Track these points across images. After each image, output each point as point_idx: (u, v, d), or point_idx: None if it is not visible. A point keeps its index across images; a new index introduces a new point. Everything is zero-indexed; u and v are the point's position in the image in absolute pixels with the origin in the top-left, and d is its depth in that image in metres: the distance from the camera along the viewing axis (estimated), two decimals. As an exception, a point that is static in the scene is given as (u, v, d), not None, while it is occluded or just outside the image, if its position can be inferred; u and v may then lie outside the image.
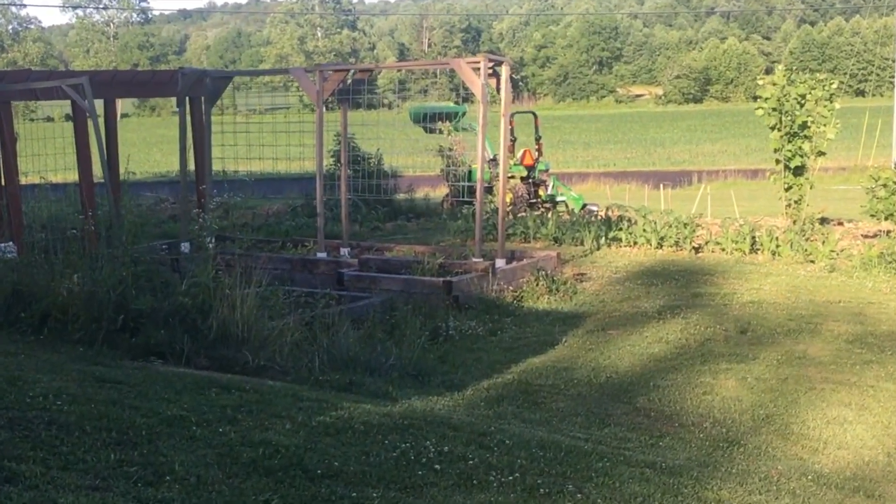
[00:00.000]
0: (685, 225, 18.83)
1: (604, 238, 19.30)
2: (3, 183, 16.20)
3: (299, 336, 10.65)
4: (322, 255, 17.53)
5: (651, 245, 18.75)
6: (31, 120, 55.19)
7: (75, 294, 10.61)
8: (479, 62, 16.20)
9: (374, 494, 5.57)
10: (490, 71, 16.34)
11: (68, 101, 15.98)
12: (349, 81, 18.65)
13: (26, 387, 7.33)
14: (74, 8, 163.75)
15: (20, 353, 9.21)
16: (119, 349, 9.93)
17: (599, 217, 21.55)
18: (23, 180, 16.80)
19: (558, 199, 26.32)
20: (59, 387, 7.48)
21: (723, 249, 18.31)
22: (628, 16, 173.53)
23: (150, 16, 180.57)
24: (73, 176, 17.11)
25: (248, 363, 9.68)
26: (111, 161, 17.63)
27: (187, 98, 18.77)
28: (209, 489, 5.34)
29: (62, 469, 5.42)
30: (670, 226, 18.95)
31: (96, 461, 5.64)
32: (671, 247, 18.62)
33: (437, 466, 6.26)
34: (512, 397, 9.97)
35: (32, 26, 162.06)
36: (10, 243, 15.04)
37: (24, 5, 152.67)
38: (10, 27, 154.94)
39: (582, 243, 19.36)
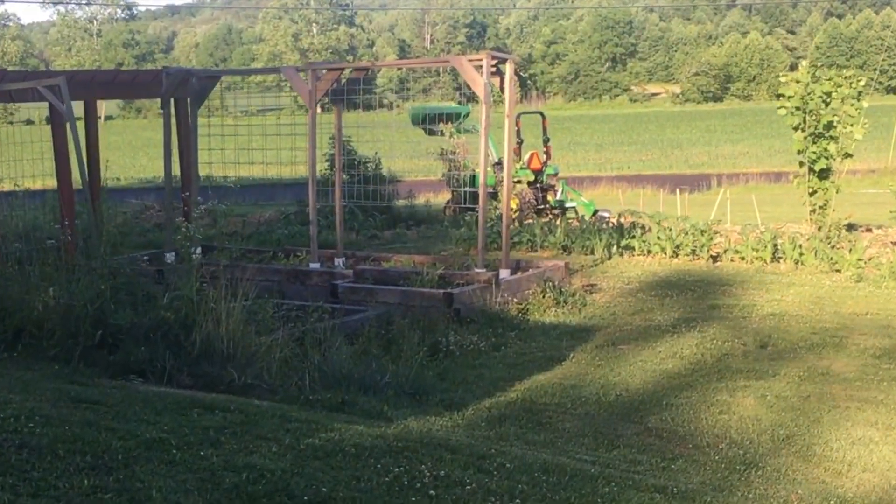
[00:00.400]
0: (702, 232, 18.82)
1: (616, 246, 19.28)
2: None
3: (289, 352, 10.65)
4: (315, 265, 17.50)
5: (666, 254, 18.74)
6: (10, 123, 55.27)
7: (51, 308, 10.62)
8: (481, 59, 16.19)
9: (365, 522, 5.57)
10: (493, 69, 16.32)
11: (46, 103, 16.00)
12: (344, 81, 18.66)
13: (-4, 408, 7.33)
14: (55, 4, 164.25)
15: (-9, 372, 9.21)
16: (97, 367, 9.93)
17: (611, 224, 21.53)
18: (-1, 187, 16.86)
19: (568, 205, 26.33)
20: (32, 407, 7.47)
21: (742, 258, 18.29)
22: (643, 9, 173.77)
23: (135, 12, 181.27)
24: (52, 182, 17.12)
25: (234, 381, 9.67)
26: (91, 167, 17.65)
27: (172, 99, 18.77)
28: (187, 516, 5.34)
29: (32, 496, 5.42)
30: (686, 233, 18.94)
31: (69, 487, 5.64)
32: (687, 255, 18.60)
33: (433, 492, 6.25)
34: (515, 417, 9.96)
35: (11, 23, 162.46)
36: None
37: (3, 1, 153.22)
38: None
39: (592, 252, 19.35)
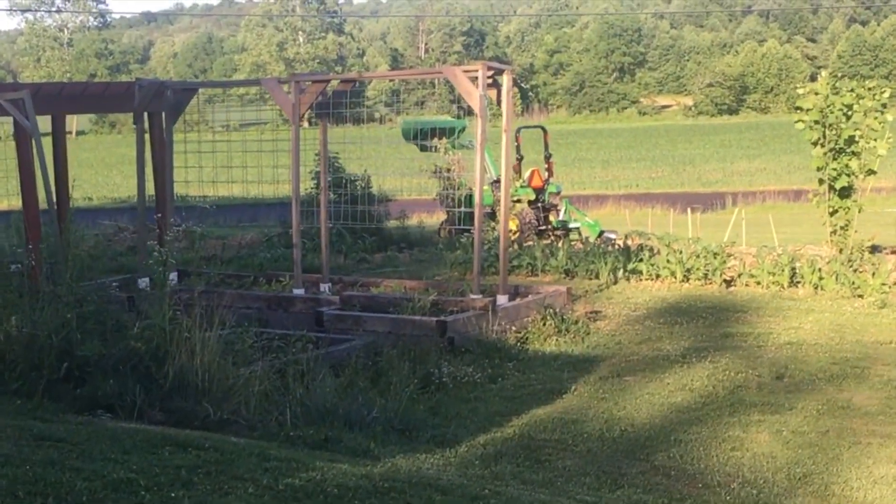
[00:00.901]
0: (715, 255, 18.85)
1: (622, 270, 19.31)
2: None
3: (269, 385, 10.62)
4: (299, 291, 17.50)
5: (676, 278, 18.77)
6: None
7: (13, 338, 10.58)
8: (476, 70, 16.23)
9: (347, 569, 5.55)
10: (490, 80, 16.37)
11: (10, 118, 16.02)
12: (331, 93, 18.67)
13: (-48, 447, 7.31)
14: (23, 11, 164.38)
15: (-52, 407, 9.18)
16: (62, 401, 9.89)
17: (618, 246, 21.53)
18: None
19: (571, 225, 26.40)
20: (-9, 446, 7.45)
21: (758, 283, 18.31)
22: (653, 16, 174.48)
23: (108, 20, 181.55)
24: (17, 202, 17.14)
25: (209, 417, 9.65)
26: (59, 185, 17.66)
27: (146, 113, 18.79)
28: (155, 564, 5.32)
29: (-12, 542, 5.39)
30: (698, 256, 18.97)
31: (27, 532, 5.62)
32: (699, 280, 18.63)
33: (421, 536, 6.24)
34: (512, 454, 9.95)
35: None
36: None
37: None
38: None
39: (597, 276, 19.37)
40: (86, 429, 8.70)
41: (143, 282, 17.39)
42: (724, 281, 18.53)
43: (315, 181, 23.03)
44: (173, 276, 16.29)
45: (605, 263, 19.44)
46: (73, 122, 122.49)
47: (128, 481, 6.83)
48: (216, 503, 6.48)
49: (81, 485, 6.64)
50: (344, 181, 24.00)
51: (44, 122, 16.72)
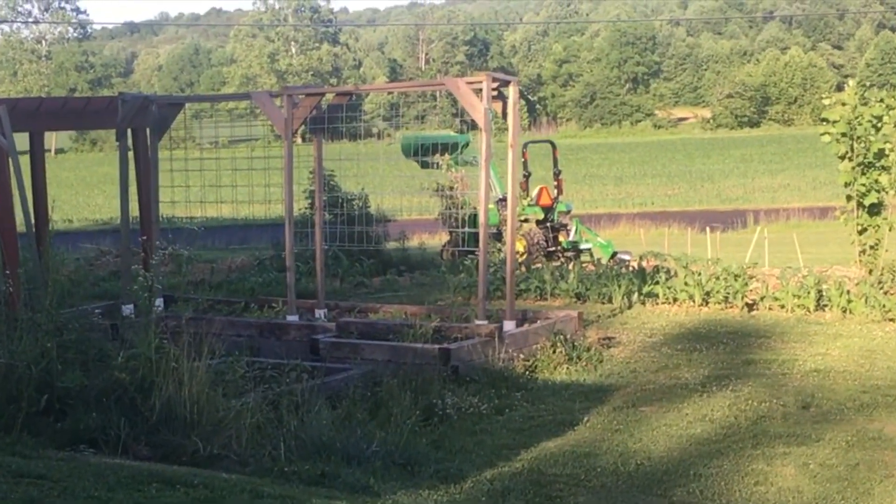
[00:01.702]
0: (736, 277, 18.85)
1: (637, 294, 19.32)
2: None
3: (262, 418, 10.63)
4: (293, 317, 17.52)
5: (694, 302, 18.78)
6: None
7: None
8: (480, 81, 16.26)
9: None
10: (495, 92, 16.39)
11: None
12: (325, 107, 18.70)
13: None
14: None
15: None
16: (42, 436, 9.89)
17: (632, 268, 21.52)
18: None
19: (582, 246, 26.41)
20: (-36, 486, 7.47)
21: (782, 306, 18.32)
22: (668, 23, 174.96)
23: (89, 31, 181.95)
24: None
25: (199, 451, 9.66)
26: (38, 207, 17.70)
27: (129, 129, 18.83)
28: None
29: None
30: (718, 278, 18.97)
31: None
32: (719, 303, 18.64)
33: (424, 577, 6.24)
34: (520, 490, 9.95)
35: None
36: None
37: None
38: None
39: (610, 300, 19.39)
40: (67, 465, 8.71)
41: (128, 308, 17.38)
42: (746, 304, 18.54)
43: (309, 201, 23.04)
44: (159, 302, 16.33)
45: (619, 286, 19.46)
46: (53, 139, 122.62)
47: (111, 520, 6.85)
48: (207, 543, 6.49)
49: (62, 524, 6.66)
50: (340, 200, 24.00)
51: (21, 140, 16.76)
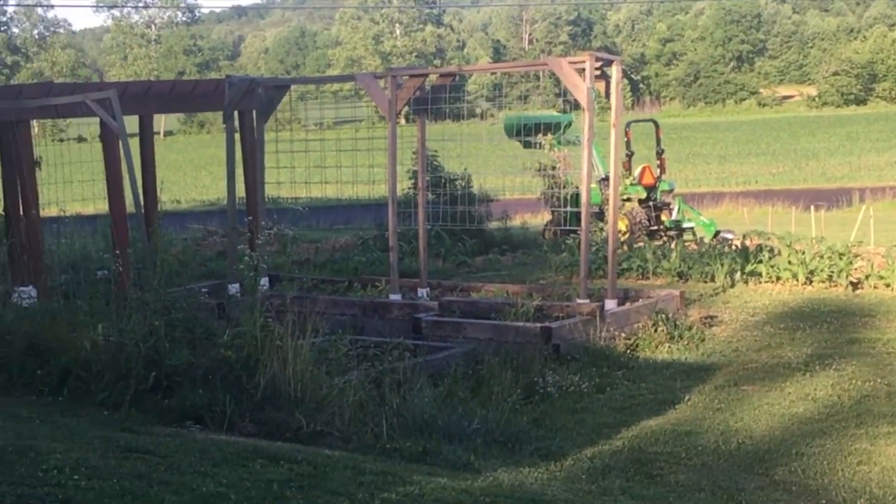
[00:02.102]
0: (841, 255, 18.58)
1: (740, 273, 19.12)
2: (20, 216, 16.57)
3: (365, 395, 10.68)
4: (396, 296, 17.59)
5: (798, 280, 18.54)
6: (60, 140, 56.15)
7: (100, 347, 10.77)
8: (583, 62, 16.17)
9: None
10: (598, 72, 16.30)
11: (97, 119, 16.28)
12: (429, 88, 18.70)
13: (39, 458, 7.44)
14: (110, 8, 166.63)
15: (34, 418, 9.35)
16: (150, 413, 10.05)
17: (735, 247, 21.30)
18: (45, 212, 17.17)
19: (685, 225, 26.16)
20: (78, 458, 7.57)
21: (887, 285, 18.02)
22: (774, 0, 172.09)
23: (197, 15, 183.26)
24: (104, 206, 17.42)
25: (302, 428, 9.73)
26: (147, 188, 17.96)
27: (236, 112, 18.99)
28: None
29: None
30: (822, 256, 18.72)
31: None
32: (822, 282, 18.39)
33: (523, 554, 6.24)
34: (621, 468, 9.90)
35: (62, 30, 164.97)
36: (30, 288, 15.36)
37: (52, 6, 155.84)
38: (35, 32, 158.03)
39: (712, 279, 19.21)
40: (174, 441, 8.82)
41: (234, 287, 17.56)
42: (851, 283, 18.26)
43: (412, 181, 23.03)
44: (264, 281, 16.45)
45: (722, 265, 19.28)
46: (161, 122, 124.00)
47: (218, 495, 6.91)
48: (310, 518, 6.52)
49: (170, 498, 6.74)
50: (443, 180, 23.94)
51: (131, 123, 16.99)
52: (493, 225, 26.93)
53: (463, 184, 25.07)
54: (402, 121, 19.36)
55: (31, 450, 7.67)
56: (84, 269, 15.65)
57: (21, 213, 16.56)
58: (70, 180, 17.84)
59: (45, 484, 6.80)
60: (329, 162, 19.89)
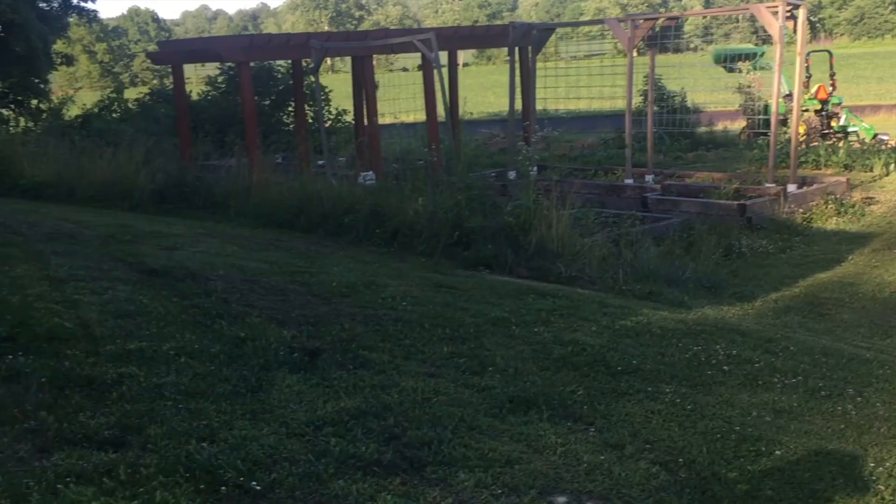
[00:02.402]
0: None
1: (893, 164, 17.95)
2: (365, 123, 16.97)
3: (606, 251, 10.58)
4: (629, 181, 17.37)
5: (945, 171, 17.29)
6: (390, 70, 57.15)
7: (420, 214, 10.95)
8: (776, 6, 15.43)
9: (668, 389, 5.43)
10: (788, 14, 15.58)
11: (418, 54, 16.40)
12: (657, 29, 18.30)
13: (378, 289, 7.60)
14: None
15: (375, 262, 9.60)
16: (454, 260, 10.18)
17: (890, 145, 20.10)
18: (381, 121, 17.54)
19: (850, 129, 24.64)
20: (405, 290, 7.71)
21: None
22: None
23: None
24: (422, 116, 17.62)
25: (561, 274, 9.69)
26: (452, 103, 18.06)
27: (517, 48, 18.86)
28: (525, 379, 5.37)
29: (405, 358, 5.57)
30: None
31: (432, 353, 5.76)
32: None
33: (726, 367, 6.04)
34: (798, 308, 9.51)
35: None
36: (370, 173, 15.71)
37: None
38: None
39: (871, 170, 18.09)
40: (471, 280, 8.92)
41: (512, 174, 17.59)
42: None
43: (643, 97, 22.47)
44: (534, 169, 16.40)
45: (879, 159, 18.15)
46: (461, 56, 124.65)
47: (503, 319, 6.93)
48: (568, 337, 6.48)
49: (469, 320, 6.79)
50: (665, 96, 23.46)
51: (442, 57, 17.05)
52: (701, 129, 26.04)
53: (680, 99, 24.42)
54: (636, 53, 18.79)
55: (373, 284, 7.85)
56: (409, 160, 15.91)
57: (365, 121, 16.92)
58: (398, 98, 18.11)
59: (383, 307, 6.95)
60: (581, 83, 19.71)
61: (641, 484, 3.97)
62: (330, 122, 23.25)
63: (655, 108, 19.83)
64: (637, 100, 22.69)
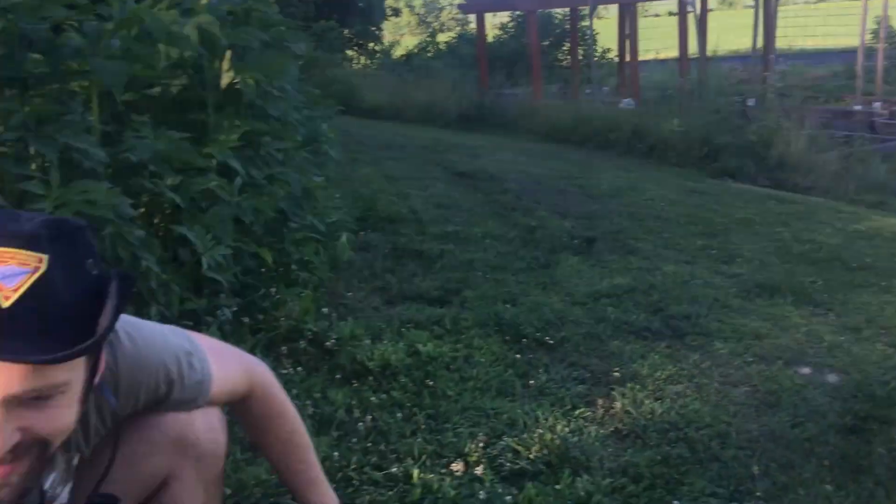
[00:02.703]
0: None
1: None
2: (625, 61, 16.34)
3: (838, 166, 9.67)
4: (858, 107, 15.66)
5: None
6: (644, 16, 54.52)
7: (673, 133, 10.50)
8: None
9: (898, 285, 4.87)
10: None
11: (673, 3, 15.50)
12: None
13: (639, 192, 7.37)
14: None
15: (636, 171, 9.26)
16: (702, 170, 9.68)
17: None
18: (640, 58, 16.81)
19: None
20: (661, 194, 7.42)
21: None
22: None
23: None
24: (673, 53, 16.72)
25: (798, 184, 8.99)
26: (700, 41, 16.92)
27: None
28: (768, 269, 5.00)
29: (664, 248, 5.38)
30: None
31: (687, 245, 5.52)
32: None
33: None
34: None
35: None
36: (631, 99, 15.13)
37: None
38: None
39: None
40: (718, 186, 8.47)
41: (751, 101, 16.28)
42: None
43: (872, 35, 20.04)
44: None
45: None
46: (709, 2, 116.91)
47: (747, 219, 6.50)
48: (806, 237, 5.95)
49: (718, 220, 6.43)
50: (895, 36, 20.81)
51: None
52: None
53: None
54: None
55: (636, 188, 7.60)
56: (663, 88, 15.18)
57: (627, 57, 16.28)
58: (651, 38, 17.24)
59: (644, 206, 6.72)
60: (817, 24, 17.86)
61: (878, 362, 3.61)
62: (597, 59, 22.56)
63: (885, 45, 17.71)
64: (868, 37, 20.30)
